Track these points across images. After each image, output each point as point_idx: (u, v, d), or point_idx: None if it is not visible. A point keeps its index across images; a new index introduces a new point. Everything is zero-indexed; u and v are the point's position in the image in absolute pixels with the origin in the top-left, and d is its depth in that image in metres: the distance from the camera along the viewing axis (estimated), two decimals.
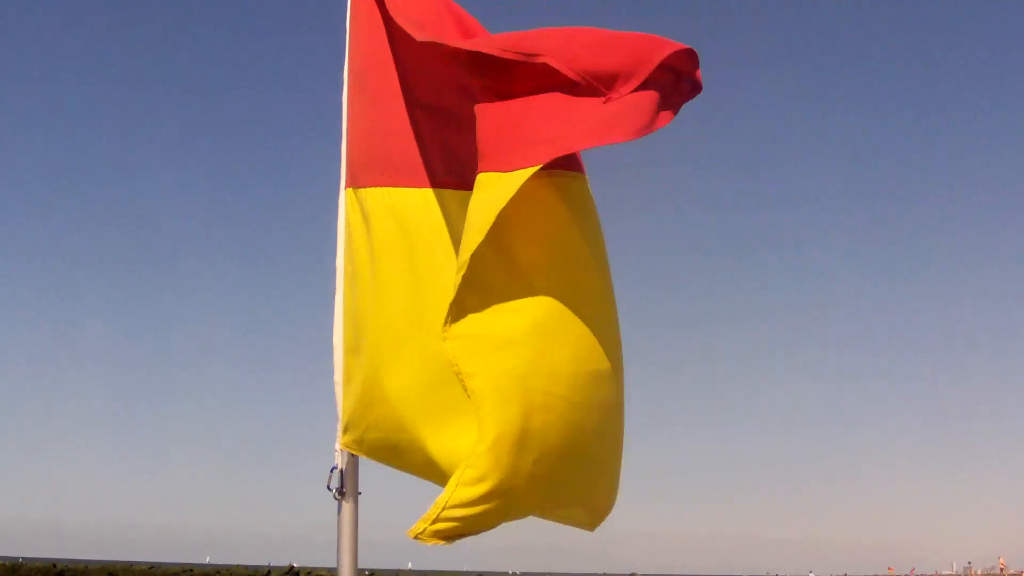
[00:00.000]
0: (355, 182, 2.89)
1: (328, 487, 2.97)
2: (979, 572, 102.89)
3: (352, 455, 2.96)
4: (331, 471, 2.97)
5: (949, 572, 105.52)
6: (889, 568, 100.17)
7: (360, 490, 3.02)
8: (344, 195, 2.96)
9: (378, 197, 2.80)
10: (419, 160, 2.77)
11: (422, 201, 2.75)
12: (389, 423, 2.80)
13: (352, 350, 2.90)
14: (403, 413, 2.73)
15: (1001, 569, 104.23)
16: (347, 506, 2.97)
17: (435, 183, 2.76)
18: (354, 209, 2.89)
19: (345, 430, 2.93)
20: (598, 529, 2.80)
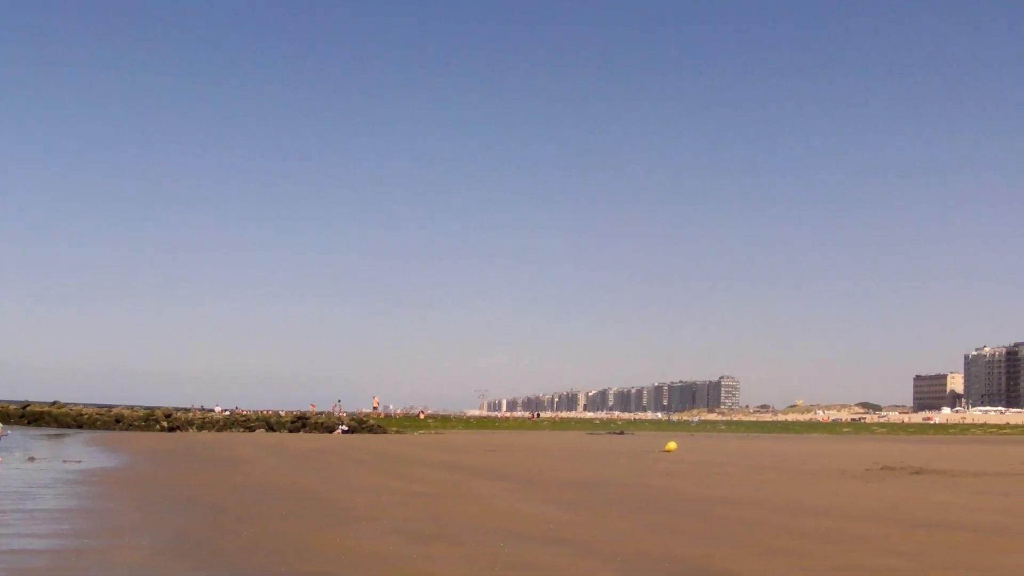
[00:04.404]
0: None
1: None
2: (349, 412, 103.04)
3: None
4: None
5: (366, 410, 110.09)
6: (311, 405, 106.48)
7: None
8: None
9: None
10: None
11: None
12: None
13: None
14: None
15: (375, 407, 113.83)
16: None
17: None
18: None
19: None
20: None
